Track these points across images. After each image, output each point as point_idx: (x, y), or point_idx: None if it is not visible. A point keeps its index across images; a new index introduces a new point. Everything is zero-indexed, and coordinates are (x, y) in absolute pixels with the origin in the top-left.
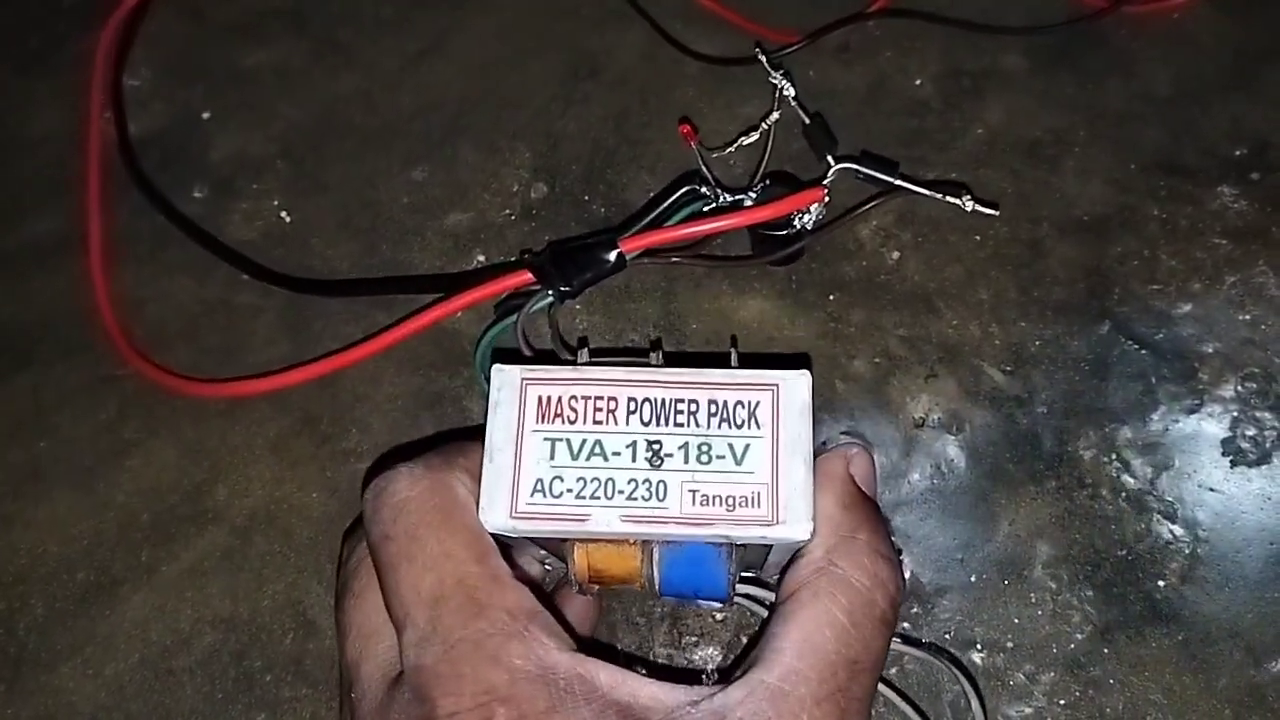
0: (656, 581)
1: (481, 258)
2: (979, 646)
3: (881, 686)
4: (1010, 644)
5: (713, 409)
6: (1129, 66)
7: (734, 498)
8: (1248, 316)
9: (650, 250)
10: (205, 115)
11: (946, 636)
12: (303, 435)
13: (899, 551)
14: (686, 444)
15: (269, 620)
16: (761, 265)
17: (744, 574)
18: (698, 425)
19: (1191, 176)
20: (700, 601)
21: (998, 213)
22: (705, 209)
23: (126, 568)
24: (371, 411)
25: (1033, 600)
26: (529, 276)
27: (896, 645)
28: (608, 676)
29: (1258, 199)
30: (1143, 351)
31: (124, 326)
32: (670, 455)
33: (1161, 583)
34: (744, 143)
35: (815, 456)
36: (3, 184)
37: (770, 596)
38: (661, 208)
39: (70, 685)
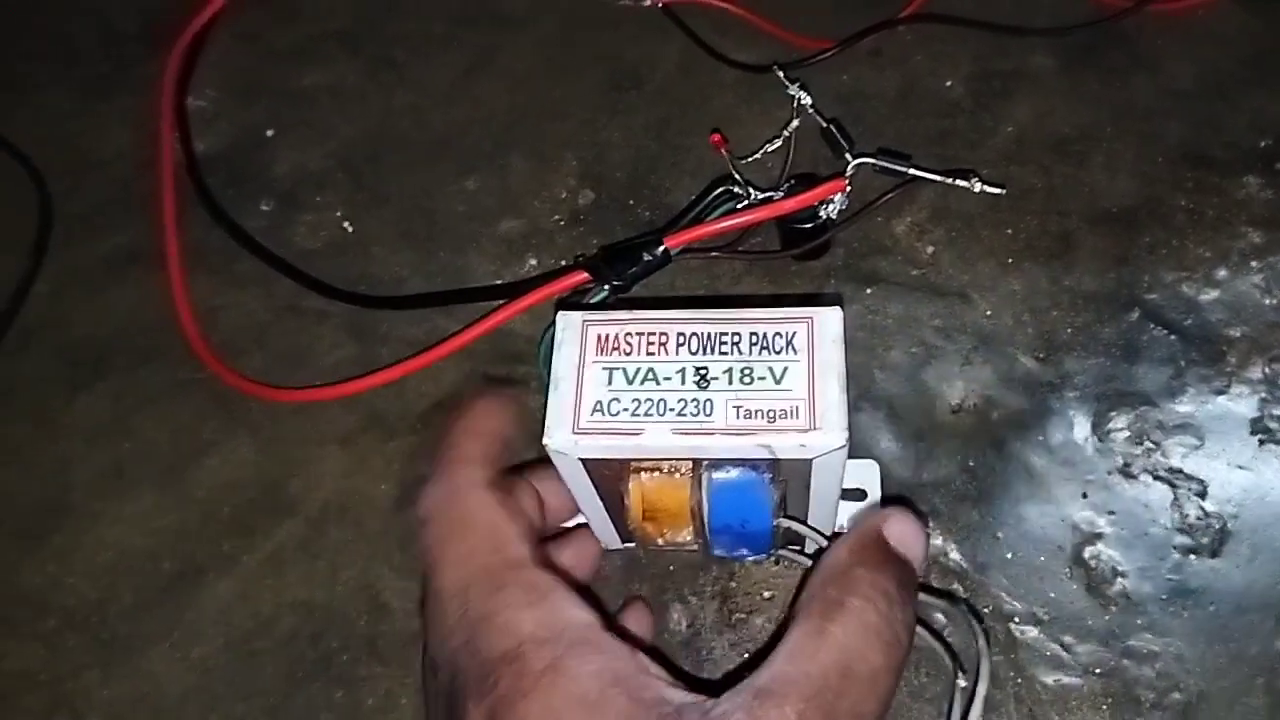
0: (706, 511)
1: (533, 262)
2: (1016, 620)
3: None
4: (1047, 617)
5: (754, 339)
6: (1153, 63)
7: (774, 411)
8: (1274, 301)
9: (692, 246)
10: (269, 133)
11: (985, 610)
12: (370, 431)
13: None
14: (730, 368)
15: (344, 604)
16: (797, 260)
17: (789, 544)
18: (740, 353)
19: (1217, 168)
20: (746, 553)
21: (1004, 191)
22: (739, 206)
23: (209, 558)
24: (434, 408)
25: (1068, 575)
26: (583, 277)
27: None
28: (618, 646)
29: None
30: (1172, 337)
31: (201, 334)
32: (716, 378)
33: (1193, 557)
34: (769, 149)
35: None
36: (78, 203)
37: (808, 563)
38: (700, 206)
39: (160, 668)
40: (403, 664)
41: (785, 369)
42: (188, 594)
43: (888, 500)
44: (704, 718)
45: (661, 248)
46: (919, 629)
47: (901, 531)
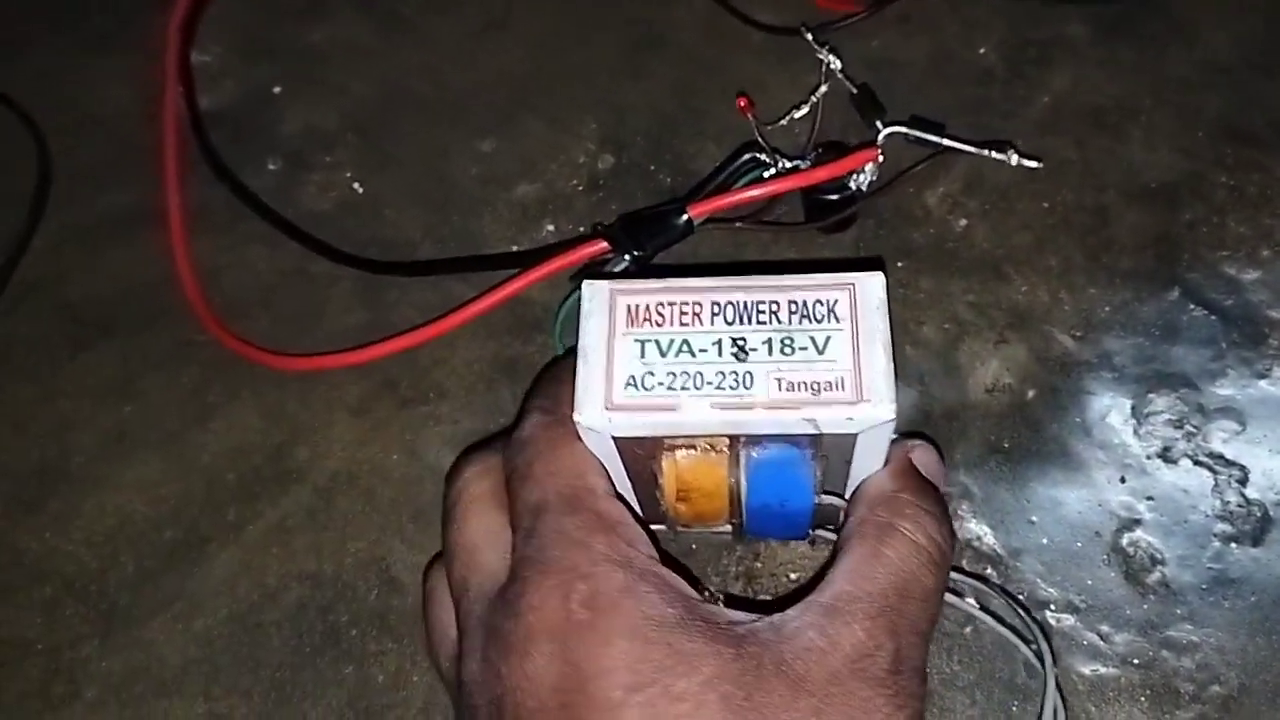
0: (743, 490)
1: (550, 228)
2: (1052, 607)
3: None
4: (1084, 605)
5: (793, 307)
6: (1191, 33)
7: (818, 383)
8: None
9: (716, 216)
10: (276, 90)
11: (1020, 597)
12: (383, 399)
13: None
14: (770, 339)
15: (353, 577)
16: (824, 232)
17: (824, 525)
18: (780, 322)
19: (1259, 144)
20: (780, 534)
21: (1040, 165)
22: (766, 174)
23: (214, 526)
24: (449, 376)
25: (1106, 562)
26: (603, 246)
27: (967, 580)
28: (679, 580)
29: None
30: (1212, 317)
31: (204, 296)
32: (755, 350)
33: (1234, 545)
34: (796, 115)
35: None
36: (78, 160)
37: None
38: (725, 174)
39: (161, 639)
40: (415, 640)
41: (828, 338)
42: (190, 563)
43: None
44: (777, 634)
45: (685, 217)
46: (990, 620)
47: (926, 459)
